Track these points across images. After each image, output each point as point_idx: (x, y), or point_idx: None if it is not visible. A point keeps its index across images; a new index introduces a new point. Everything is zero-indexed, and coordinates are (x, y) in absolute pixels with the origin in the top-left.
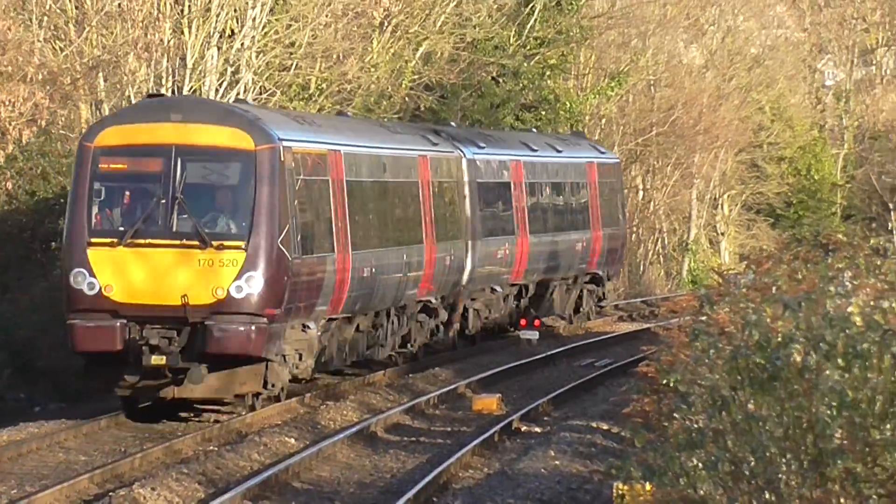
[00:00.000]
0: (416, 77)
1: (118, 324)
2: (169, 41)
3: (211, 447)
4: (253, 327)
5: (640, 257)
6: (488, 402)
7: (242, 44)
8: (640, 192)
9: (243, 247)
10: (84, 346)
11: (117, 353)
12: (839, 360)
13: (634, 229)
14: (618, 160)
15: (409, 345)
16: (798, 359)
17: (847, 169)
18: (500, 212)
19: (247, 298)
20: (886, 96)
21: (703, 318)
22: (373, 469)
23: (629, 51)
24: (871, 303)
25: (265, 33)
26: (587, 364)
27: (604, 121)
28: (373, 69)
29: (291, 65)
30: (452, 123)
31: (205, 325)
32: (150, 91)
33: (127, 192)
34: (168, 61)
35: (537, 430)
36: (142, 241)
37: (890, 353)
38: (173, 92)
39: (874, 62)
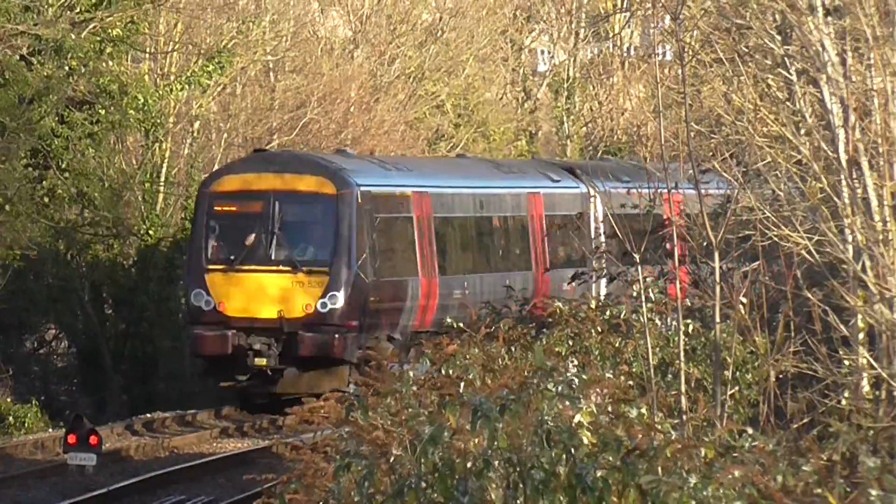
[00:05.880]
0: None
1: (229, 333)
2: None
3: None
4: (336, 335)
5: None
6: None
7: None
8: None
9: (327, 271)
10: (203, 351)
11: (228, 356)
12: (560, 497)
13: None
14: None
15: None
16: (498, 494)
17: None
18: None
19: (330, 312)
20: (629, 88)
21: (351, 430)
22: None
23: (235, 17)
24: (609, 408)
25: None
26: None
27: (197, 125)
28: None
29: None
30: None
31: (297, 334)
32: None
33: (235, 229)
34: None
35: None
36: (247, 267)
37: (635, 484)
38: None
39: (611, 36)
